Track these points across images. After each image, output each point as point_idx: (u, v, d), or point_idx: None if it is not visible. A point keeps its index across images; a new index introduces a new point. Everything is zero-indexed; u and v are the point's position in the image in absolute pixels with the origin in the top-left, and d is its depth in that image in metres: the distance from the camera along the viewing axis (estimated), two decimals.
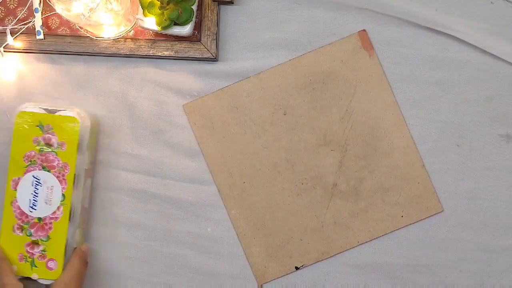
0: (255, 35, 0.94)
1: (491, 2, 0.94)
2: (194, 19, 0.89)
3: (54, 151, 0.88)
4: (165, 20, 0.87)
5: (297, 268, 0.94)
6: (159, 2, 0.87)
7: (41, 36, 0.92)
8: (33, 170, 0.88)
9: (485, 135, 0.94)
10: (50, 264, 0.89)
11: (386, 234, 0.94)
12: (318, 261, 0.94)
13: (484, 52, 0.93)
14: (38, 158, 0.88)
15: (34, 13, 0.92)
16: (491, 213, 0.94)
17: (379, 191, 0.94)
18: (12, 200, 0.89)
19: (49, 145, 0.88)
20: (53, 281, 0.88)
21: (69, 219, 0.89)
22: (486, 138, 0.94)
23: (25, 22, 0.92)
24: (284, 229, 0.94)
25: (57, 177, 0.88)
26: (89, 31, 0.92)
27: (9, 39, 0.91)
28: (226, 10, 0.94)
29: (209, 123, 0.94)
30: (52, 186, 0.88)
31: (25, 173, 0.88)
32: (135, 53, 0.92)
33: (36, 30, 0.92)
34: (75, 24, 0.92)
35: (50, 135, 0.88)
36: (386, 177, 0.94)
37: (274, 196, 0.94)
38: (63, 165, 0.88)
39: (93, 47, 0.93)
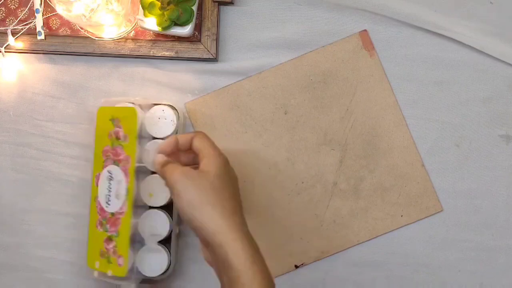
0: (255, 35, 0.94)
1: (491, 2, 0.93)
2: (194, 19, 0.89)
3: (121, 144, 0.84)
4: (165, 20, 0.88)
5: (296, 267, 0.95)
6: (159, 3, 0.87)
7: (42, 37, 0.92)
8: (108, 165, 0.85)
9: (484, 135, 0.94)
10: (120, 260, 0.83)
11: (385, 233, 0.94)
12: (317, 260, 0.94)
13: (484, 52, 0.93)
14: (111, 153, 0.85)
15: (35, 14, 0.92)
16: (491, 213, 0.94)
17: (379, 191, 0.94)
18: (96, 195, 0.86)
19: (117, 138, 0.84)
20: (122, 280, 0.84)
21: (131, 214, 0.83)
22: (486, 138, 0.94)
23: (26, 22, 0.93)
24: (284, 228, 0.94)
25: (124, 170, 0.83)
26: (90, 32, 0.93)
27: (10, 40, 0.91)
28: (226, 10, 0.94)
29: (210, 122, 0.94)
30: (120, 180, 0.83)
31: (103, 168, 0.85)
32: (136, 54, 0.93)
33: (37, 31, 0.92)
34: (76, 25, 0.93)
35: (118, 128, 0.84)
36: (386, 176, 0.94)
37: (274, 195, 0.95)
38: (126, 158, 0.83)
39: (94, 47, 0.93)
